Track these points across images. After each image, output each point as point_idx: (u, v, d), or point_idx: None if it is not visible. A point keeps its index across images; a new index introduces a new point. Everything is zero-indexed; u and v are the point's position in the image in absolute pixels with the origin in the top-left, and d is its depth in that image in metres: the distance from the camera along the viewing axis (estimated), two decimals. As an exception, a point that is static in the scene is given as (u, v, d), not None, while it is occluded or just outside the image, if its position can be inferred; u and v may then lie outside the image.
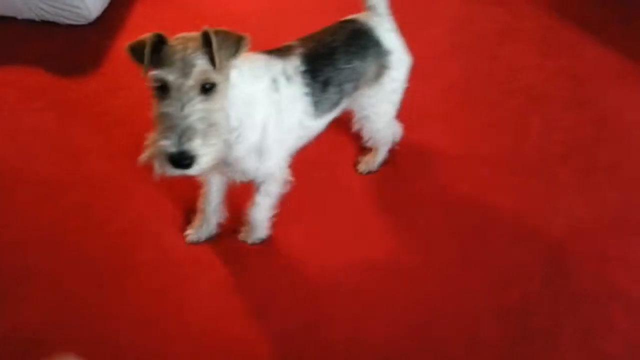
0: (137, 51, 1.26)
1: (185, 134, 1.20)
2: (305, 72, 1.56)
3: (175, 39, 1.28)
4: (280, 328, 1.66)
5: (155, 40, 1.25)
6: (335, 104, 1.66)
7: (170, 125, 1.22)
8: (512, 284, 1.75)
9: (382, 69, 1.70)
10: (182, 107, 1.22)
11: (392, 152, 2.05)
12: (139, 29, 2.60)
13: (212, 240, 1.86)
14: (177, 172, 1.23)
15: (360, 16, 1.71)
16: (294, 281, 1.77)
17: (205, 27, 1.25)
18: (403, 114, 2.20)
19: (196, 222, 1.84)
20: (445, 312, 1.69)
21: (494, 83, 2.37)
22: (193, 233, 1.85)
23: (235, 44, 1.27)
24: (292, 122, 1.57)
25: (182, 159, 1.20)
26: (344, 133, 2.10)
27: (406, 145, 2.09)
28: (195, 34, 1.27)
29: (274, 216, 1.80)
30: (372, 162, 2.03)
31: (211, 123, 1.25)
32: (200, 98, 1.24)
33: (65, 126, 2.22)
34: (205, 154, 1.22)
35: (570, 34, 2.56)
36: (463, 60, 2.46)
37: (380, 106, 1.80)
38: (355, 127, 1.88)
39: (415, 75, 2.35)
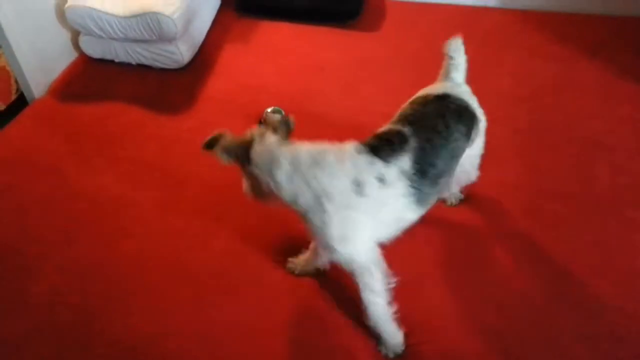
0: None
1: None
2: (414, 173, 1.51)
3: None
4: None
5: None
6: (443, 186, 1.68)
7: None
8: (600, 314, 1.84)
9: (474, 136, 1.76)
10: None
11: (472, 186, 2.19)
12: (225, 74, 2.87)
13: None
14: None
15: (449, 89, 1.74)
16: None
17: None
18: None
19: (301, 257, 1.94)
20: (537, 340, 1.78)
21: (556, 130, 2.53)
22: (292, 263, 1.96)
23: None
24: (387, 218, 1.56)
25: None
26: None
27: (482, 181, 2.24)
28: None
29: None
30: (453, 193, 2.15)
31: None
32: None
33: (165, 157, 2.42)
34: None
35: (628, 86, 2.73)
36: (527, 109, 2.64)
37: (471, 162, 1.92)
38: None
39: (487, 120, 2.56)
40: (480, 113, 1.79)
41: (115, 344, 1.79)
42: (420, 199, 1.56)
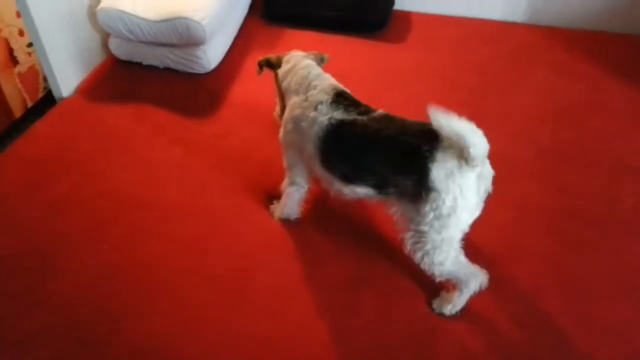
0: None
1: None
2: (331, 124, 1.76)
3: None
4: None
5: None
6: (349, 177, 1.78)
7: None
8: (625, 337, 1.81)
9: (416, 195, 1.61)
10: None
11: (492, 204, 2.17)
12: (250, 80, 2.90)
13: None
14: None
15: (453, 142, 1.51)
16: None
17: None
18: (499, 170, 2.36)
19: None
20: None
21: (581, 150, 2.51)
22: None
23: None
24: (306, 145, 1.86)
25: None
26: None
27: (502, 198, 2.22)
28: None
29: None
30: (448, 302, 1.86)
31: None
32: None
33: (189, 160, 2.44)
34: None
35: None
36: (552, 127, 2.63)
37: (429, 231, 1.65)
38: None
39: (511, 137, 2.55)
40: (445, 187, 1.56)
41: (131, 342, 1.80)
42: (325, 154, 1.80)
